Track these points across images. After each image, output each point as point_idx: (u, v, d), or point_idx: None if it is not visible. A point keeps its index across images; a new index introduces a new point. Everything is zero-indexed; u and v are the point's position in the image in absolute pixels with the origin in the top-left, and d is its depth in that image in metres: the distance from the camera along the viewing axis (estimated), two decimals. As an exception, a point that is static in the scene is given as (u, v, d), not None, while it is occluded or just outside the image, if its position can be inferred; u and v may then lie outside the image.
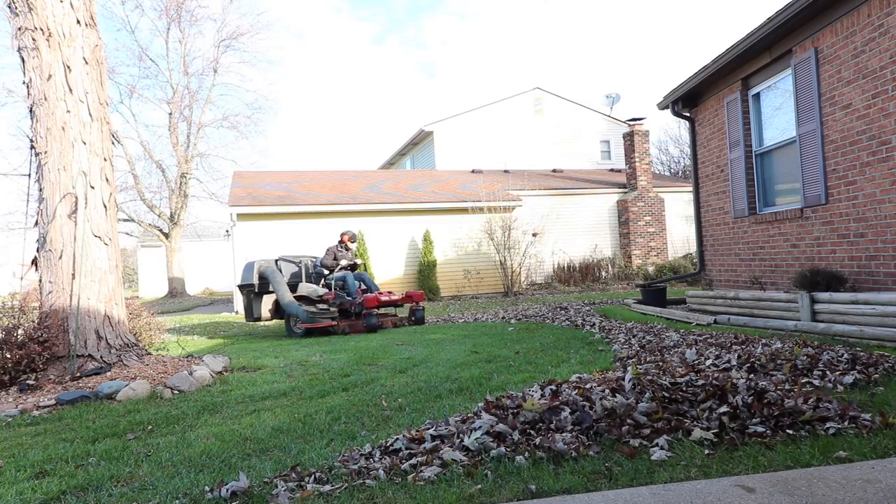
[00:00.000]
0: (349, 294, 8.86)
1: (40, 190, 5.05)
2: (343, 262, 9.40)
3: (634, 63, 65.55)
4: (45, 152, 4.96)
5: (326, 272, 9.44)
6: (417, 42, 79.92)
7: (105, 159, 5.29)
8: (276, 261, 9.68)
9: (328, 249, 9.58)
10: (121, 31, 44.15)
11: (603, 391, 2.86)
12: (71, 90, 5.03)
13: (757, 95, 7.43)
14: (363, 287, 9.27)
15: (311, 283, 9.47)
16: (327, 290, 9.02)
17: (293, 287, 9.19)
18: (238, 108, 43.99)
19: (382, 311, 9.81)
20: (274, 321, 10.42)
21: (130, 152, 24.41)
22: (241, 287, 9.78)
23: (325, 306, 8.66)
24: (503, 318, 8.96)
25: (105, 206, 5.23)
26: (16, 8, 4.94)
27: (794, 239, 6.65)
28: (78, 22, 5.12)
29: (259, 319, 9.66)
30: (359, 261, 9.90)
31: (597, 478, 2.15)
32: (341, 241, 9.65)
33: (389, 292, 9.16)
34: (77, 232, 4.96)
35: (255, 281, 9.34)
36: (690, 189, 11.85)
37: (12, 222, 21.29)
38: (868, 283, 5.59)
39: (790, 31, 6.42)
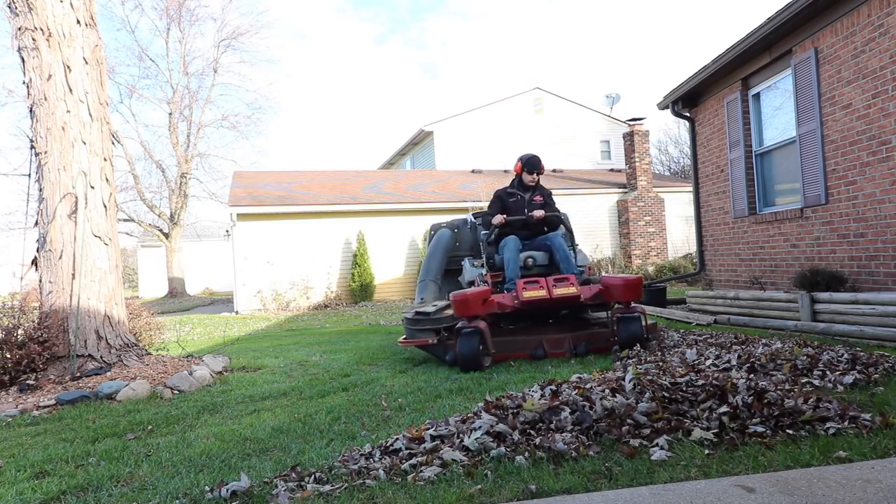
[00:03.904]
0: (507, 278, 5.12)
1: (40, 190, 5.05)
2: (496, 220, 5.34)
3: (634, 63, 65.56)
4: (45, 152, 4.96)
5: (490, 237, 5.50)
6: (419, 43, 79.90)
7: (105, 159, 5.28)
8: (467, 221, 6.44)
9: (496, 193, 5.69)
10: (121, 30, 44.18)
11: (603, 391, 2.86)
12: (71, 90, 5.03)
13: (757, 95, 7.43)
14: (542, 262, 5.34)
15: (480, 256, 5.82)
16: (485, 271, 5.43)
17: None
18: (238, 108, 44.04)
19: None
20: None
21: (130, 152, 24.42)
22: None
23: (438, 306, 5.16)
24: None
25: (105, 206, 5.23)
26: (16, 8, 4.93)
27: (794, 239, 6.64)
28: (78, 22, 5.12)
29: None
30: (541, 213, 5.37)
31: (597, 478, 2.15)
32: (516, 175, 5.66)
33: (563, 278, 4.81)
34: (77, 232, 4.96)
35: None
36: (690, 189, 11.87)
37: (12, 222, 21.28)
38: (868, 282, 5.58)
39: (790, 31, 6.42)
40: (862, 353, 3.75)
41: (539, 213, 5.39)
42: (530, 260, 5.34)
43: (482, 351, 4.53)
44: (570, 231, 5.58)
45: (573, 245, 5.53)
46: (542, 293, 4.67)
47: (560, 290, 4.69)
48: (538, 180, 5.63)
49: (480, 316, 4.60)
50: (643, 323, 4.69)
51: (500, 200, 5.59)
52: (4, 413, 3.98)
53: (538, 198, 5.59)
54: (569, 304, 4.86)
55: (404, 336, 5.31)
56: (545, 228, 5.55)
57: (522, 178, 5.58)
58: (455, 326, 4.67)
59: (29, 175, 5.21)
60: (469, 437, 2.53)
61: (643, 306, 5.20)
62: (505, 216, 5.37)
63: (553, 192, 5.85)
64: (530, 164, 5.54)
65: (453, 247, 6.31)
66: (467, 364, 4.46)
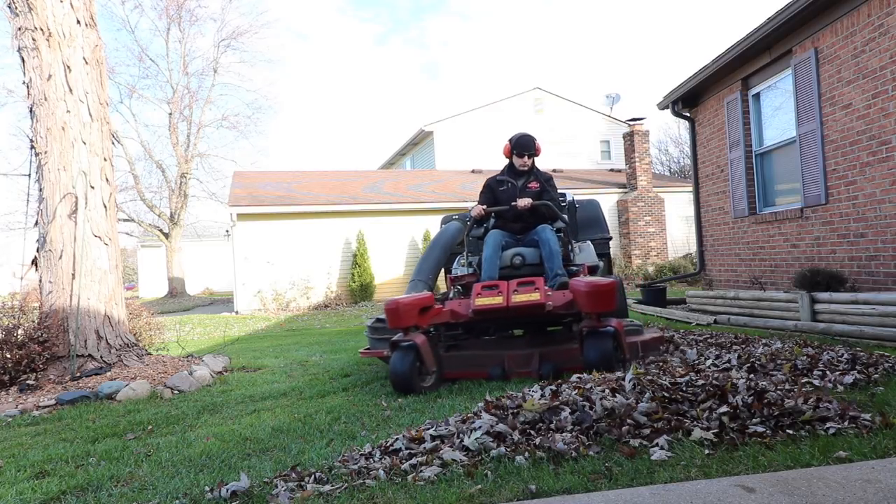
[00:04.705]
0: (481, 279, 4.38)
1: (40, 190, 5.05)
2: (474, 211, 4.63)
3: (634, 63, 65.56)
4: (45, 152, 4.96)
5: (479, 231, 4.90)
6: (420, 43, 79.90)
7: (105, 159, 5.28)
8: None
9: (485, 182, 4.92)
10: (121, 31, 44.26)
11: (603, 391, 2.86)
12: (71, 90, 5.02)
13: (757, 95, 7.43)
14: (532, 261, 4.46)
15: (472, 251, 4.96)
16: (463, 271, 4.75)
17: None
18: (238, 108, 43.90)
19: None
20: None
21: (130, 152, 24.44)
22: None
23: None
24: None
25: (105, 206, 5.23)
26: (16, 8, 4.93)
27: (794, 239, 6.64)
28: (78, 22, 5.12)
29: None
30: (526, 202, 4.50)
31: (597, 478, 2.15)
32: (508, 161, 4.79)
33: (528, 282, 4.02)
34: (77, 232, 4.96)
35: None
36: (690, 189, 11.88)
37: (12, 222, 21.29)
38: (868, 282, 5.59)
39: (790, 31, 6.42)
40: (862, 353, 3.75)
41: (524, 201, 4.47)
42: (518, 258, 4.49)
43: (420, 369, 3.84)
44: (567, 223, 4.73)
45: (570, 239, 4.75)
46: (499, 300, 3.86)
47: (519, 298, 3.84)
48: (533, 164, 4.70)
49: (423, 328, 3.92)
50: (618, 341, 3.73)
51: (490, 190, 4.78)
52: (4, 413, 3.98)
53: (534, 184, 4.66)
54: (533, 314, 3.95)
55: (367, 346, 4.78)
56: (547, 220, 4.62)
57: (513, 162, 4.70)
58: (392, 339, 3.94)
59: (29, 175, 5.20)
60: (469, 437, 2.53)
61: (625, 317, 4.40)
62: (484, 207, 4.63)
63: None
64: (520, 144, 4.61)
65: (459, 242, 5.40)
66: (399, 384, 3.75)
